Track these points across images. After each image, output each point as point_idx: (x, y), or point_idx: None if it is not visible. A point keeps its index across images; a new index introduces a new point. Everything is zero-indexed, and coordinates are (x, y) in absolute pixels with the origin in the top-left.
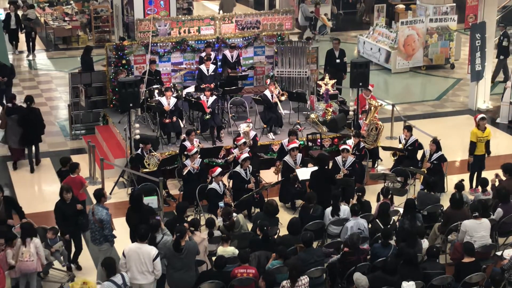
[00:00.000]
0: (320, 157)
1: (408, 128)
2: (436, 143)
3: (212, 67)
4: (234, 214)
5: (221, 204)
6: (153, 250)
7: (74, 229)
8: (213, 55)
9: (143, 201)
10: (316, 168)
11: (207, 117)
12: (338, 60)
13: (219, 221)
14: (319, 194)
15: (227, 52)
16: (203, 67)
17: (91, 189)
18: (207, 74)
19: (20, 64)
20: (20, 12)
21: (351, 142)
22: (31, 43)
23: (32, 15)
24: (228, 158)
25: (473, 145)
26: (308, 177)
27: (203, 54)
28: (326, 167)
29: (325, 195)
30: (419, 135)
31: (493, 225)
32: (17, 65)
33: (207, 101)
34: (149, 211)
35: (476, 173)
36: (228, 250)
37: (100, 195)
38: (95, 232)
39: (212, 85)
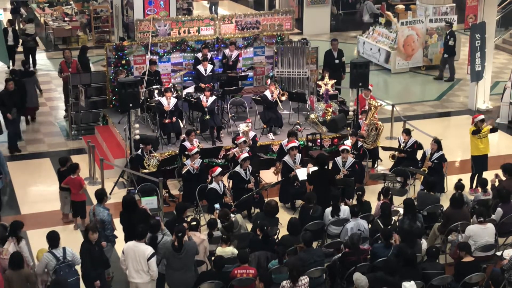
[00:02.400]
0: (319, 157)
1: (407, 132)
2: (437, 142)
3: (209, 67)
4: (232, 215)
5: (217, 206)
6: (148, 250)
7: (101, 271)
8: (209, 55)
9: (136, 204)
10: (315, 168)
11: (207, 117)
12: (337, 61)
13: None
14: (319, 194)
15: (226, 51)
16: (200, 67)
17: (91, 189)
18: (204, 74)
19: (20, 64)
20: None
21: (349, 142)
22: (31, 60)
23: (30, 30)
24: (228, 153)
25: (474, 131)
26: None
27: (199, 55)
28: (326, 167)
29: (324, 195)
30: (419, 135)
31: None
32: (18, 65)
33: (207, 101)
34: (143, 212)
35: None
36: (227, 251)
37: (101, 195)
38: None
39: (211, 85)
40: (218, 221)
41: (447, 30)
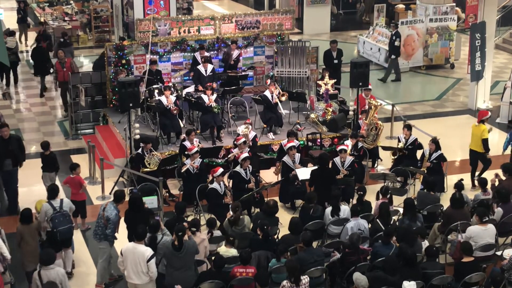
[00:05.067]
0: (321, 157)
1: (408, 127)
2: (435, 142)
3: (209, 67)
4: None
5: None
6: (148, 251)
7: None
8: (207, 55)
9: (142, 202)
10: (315, 167)
11: (218, 109)
12: (335, 61)
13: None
14: (320, 193)
15: (228, 49)
16: (201, 67)
17: (91, 189)
18: (205, 74)
19: (20, 63)
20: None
21: (348, 143)
22: (12, 76)
23: (11, 44)
24: (228, 157)
25: (486, 141)
26: (308, 177)
27: (197, 55)
28: (327, 166)
29: (325, 194)
30: (419, 135)
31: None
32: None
33: (209, 99)
34: (148, 212)
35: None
36: (230, 252)
37: (119, 197)
38: (98, 227)
39: (213, 84)
40: (225, 220)
41: (393, 30)
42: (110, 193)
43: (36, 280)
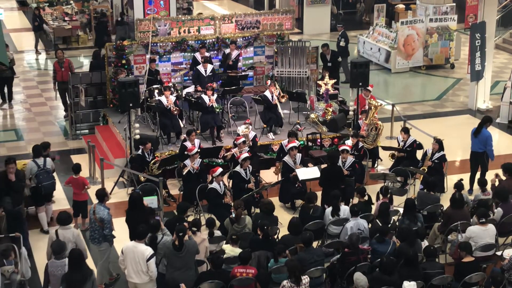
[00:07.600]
0: (330, 155)
1: (405, 131)
2: (439, 142)
3: (209, 67)
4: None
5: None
6: (148, 251)
7: None
8: (207, 55)
9: (143, 201)
10: (314, 167)
11: (219, 108)
12: (329, 64)
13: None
14: (329, 192)
15: (227, 50)
16: (200, 68)
17: (91, 189)
18: (205, 75)
19: (20, 64)
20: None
21: (349, 142)
22: (6, 92)
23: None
24: (226, 154)
25: None
26: (308, 177)
27: (197, 55)
28: (336, 164)
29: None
30: (419, 135)
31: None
32: (17, 64)
33: (209, 99)
34: (149, 212)
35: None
36: (236, 252)
37: (102, 194)
38: (94, 231)
39: (213, 85)
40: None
41: (339, 30)
42: (110, 193)
43: (53, 237)
